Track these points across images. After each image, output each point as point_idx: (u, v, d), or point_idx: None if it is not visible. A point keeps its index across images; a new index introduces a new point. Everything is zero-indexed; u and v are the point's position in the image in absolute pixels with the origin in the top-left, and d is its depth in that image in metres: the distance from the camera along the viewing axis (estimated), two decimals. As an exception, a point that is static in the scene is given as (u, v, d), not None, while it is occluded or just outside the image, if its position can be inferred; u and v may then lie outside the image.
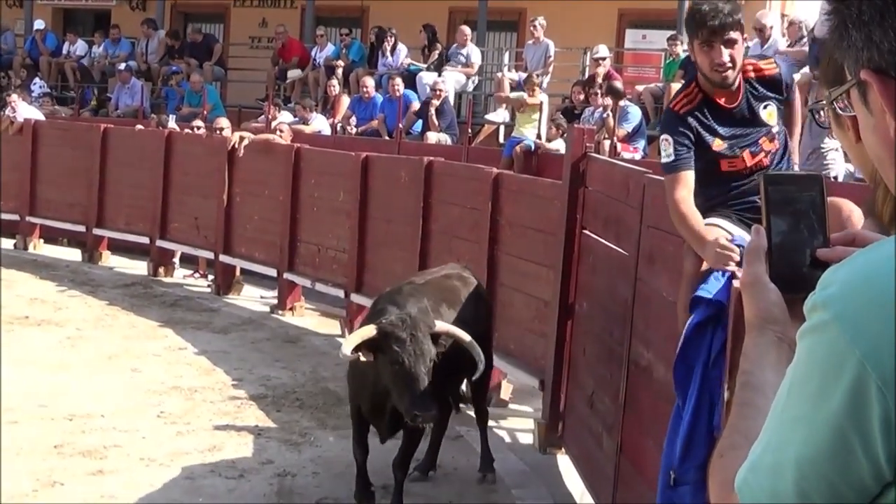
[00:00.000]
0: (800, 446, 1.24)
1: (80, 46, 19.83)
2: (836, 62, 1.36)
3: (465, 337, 6.53)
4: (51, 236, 15.75)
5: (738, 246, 4.45)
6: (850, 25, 1.30)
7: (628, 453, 5.92)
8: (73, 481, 6.97)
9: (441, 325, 6.48)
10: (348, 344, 6.26)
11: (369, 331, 6.29)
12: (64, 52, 19.94)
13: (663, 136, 4.83)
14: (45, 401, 8.51)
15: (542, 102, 13.96)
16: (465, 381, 7.37)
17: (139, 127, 15.50)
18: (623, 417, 6.00)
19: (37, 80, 18.95)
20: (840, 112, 1.39)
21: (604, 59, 14.04)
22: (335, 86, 16.08)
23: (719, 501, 1.40)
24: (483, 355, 6.59)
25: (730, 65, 4.69)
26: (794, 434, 1.25)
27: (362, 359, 6.22)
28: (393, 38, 16.81)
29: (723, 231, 4.55)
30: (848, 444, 1.21)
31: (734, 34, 4.71)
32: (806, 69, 12.54)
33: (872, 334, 1.18)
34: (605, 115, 12.49)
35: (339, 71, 16.62)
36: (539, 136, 13.17)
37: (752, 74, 4.82)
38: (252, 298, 12.91)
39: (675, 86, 12.45)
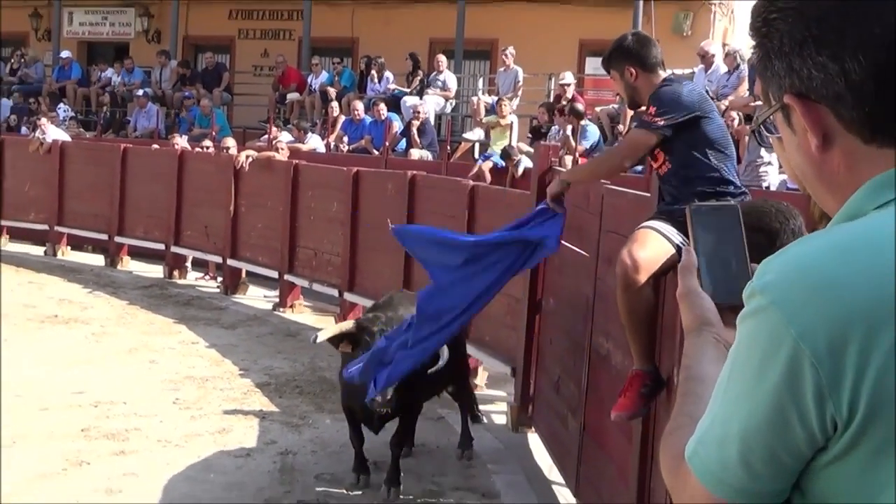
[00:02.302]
0: (743, 419, 1.25)
1: (110, 72, 19.77)
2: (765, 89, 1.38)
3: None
4: (77, 244, 15.68)
5: (677, 247, 4.48)
6: (772, 56, 1.31)
7: (591, 432, 5.93)
8: (98, 461, 6.95)
9: None
10: (324, 334, 6.38)
11: (348, 325, 6.42)
12: (94, 77, 19.85)
13: None
14: (74, 390, 8.49)
15: (511, 123, 14.02)
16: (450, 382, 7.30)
17: (155, 146, 15.47)
18: (586, 400, 6.01)
19: (62, 104, 18.86)
20: (767, 133, 1.41)
21: (569, 84, 14.10)
22: (335, 108, 16.06)
23: (671, 472, 1.41)
24: (447, 353, 6.39)
25: (620, 94, 5.00)
26: (738, 408, 1.25)
27: (341, 350, 6.34)
28: (379, 66, 16.81)
29: (656, 233, 4.55)
30: (786, 415, 1.21)
31: (609, 73, 4.97)
32: (745, 92, 12.62)
33: (806, 316, 1.19)
34: (566, 134, 12.50)
35: (333, 95, 16.59)
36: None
37: None
38: (256, 298, 12.89)
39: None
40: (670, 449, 1.42)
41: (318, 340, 6.36)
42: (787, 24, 1.28)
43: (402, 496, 6.53)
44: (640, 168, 9.41)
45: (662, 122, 4.58)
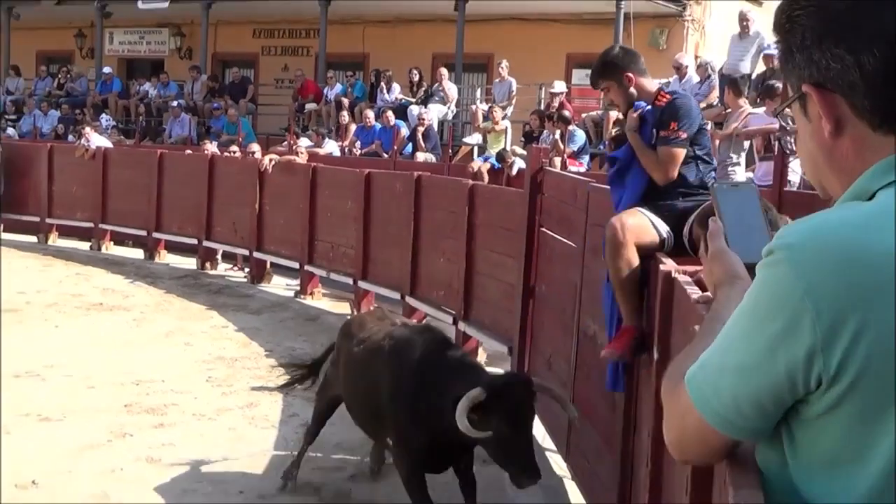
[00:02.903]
0: (741, 356, 1.25)
1: (147, 86, 19.77)
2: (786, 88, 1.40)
3: (559, 392, 5.40)
4: (119, 239, 15.68)
5: (661, 237, 4.46)
6: (794, 50, 1.32)
7: (579, 404, 5.91)
8: (140, 433, 6.97)
9: (537, 382, 5.20)
10: (463, 413, 4.61)
11: (478, 394, 4.66)
12: (133, 90, 19.85)
13: None
14: (117, 370, 8.50)
15: (506, 128, 14.01)
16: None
17: (188, 151, 15.47)
18: (574, 376, 6.01)
19: (104, 115, 18.84)
20: (786, 125, 1.42)
21: (560, 93, 14.09)
22: (345, 116, 16.06)
23: (669, 392, 1.41)
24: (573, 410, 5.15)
25: (613, 103, 4.83)
26: (739, 345, 1.26)
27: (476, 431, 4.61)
28: (388, 79, 16.80)
29: (645, 218, 4.53)
30: (776, 361, 1.22)
31: (602, 84, 4.81)
32: (715, 100, 12.59)
33: (815, 276, 1.19)
34: (555, 138, 12.48)
35: (347, 105, 16.57)
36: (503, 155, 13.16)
37: (658, 102, 4.69)
38: (280, 286, 12.89)
39: (613, 114, 12.48)
40: (674, 370, 1.43)
41: (466, 425, 4.61)
42: (809, 19, 1.29)
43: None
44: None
45: (685, 136, 4.55)
